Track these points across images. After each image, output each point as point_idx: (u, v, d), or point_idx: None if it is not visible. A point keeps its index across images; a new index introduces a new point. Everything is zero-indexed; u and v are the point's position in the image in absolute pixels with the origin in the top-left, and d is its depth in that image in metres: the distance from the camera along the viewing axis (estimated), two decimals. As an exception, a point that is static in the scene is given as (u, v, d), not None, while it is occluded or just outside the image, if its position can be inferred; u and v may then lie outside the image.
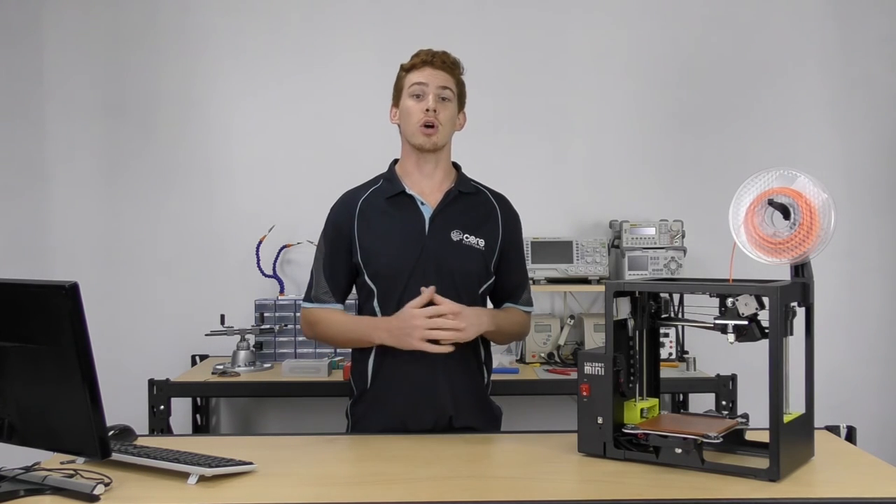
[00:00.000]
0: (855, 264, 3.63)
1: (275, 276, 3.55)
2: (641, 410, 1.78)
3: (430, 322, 1.97)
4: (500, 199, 2.25)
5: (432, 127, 2.10)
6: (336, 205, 2.21)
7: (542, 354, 3.38)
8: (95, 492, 1.49)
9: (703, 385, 3.11)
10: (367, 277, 2.13)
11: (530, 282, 2.31)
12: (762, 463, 1.58)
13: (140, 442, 1.83)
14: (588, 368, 1.72)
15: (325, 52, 3.64)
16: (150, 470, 1.63)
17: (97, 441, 1.51)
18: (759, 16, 3.65)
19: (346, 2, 3.64)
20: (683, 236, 3.41)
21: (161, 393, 2.97)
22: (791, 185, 1.68)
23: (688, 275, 3.37)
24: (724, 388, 3.03)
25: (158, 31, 3.63)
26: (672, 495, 1.50)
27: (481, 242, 2.14)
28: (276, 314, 3.37)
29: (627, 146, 3.65)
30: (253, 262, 3.53)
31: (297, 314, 3.34)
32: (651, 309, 1.82)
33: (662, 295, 1.83)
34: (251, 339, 3.26)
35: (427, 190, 2.16)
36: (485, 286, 2.17)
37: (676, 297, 1.83)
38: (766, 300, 1.60)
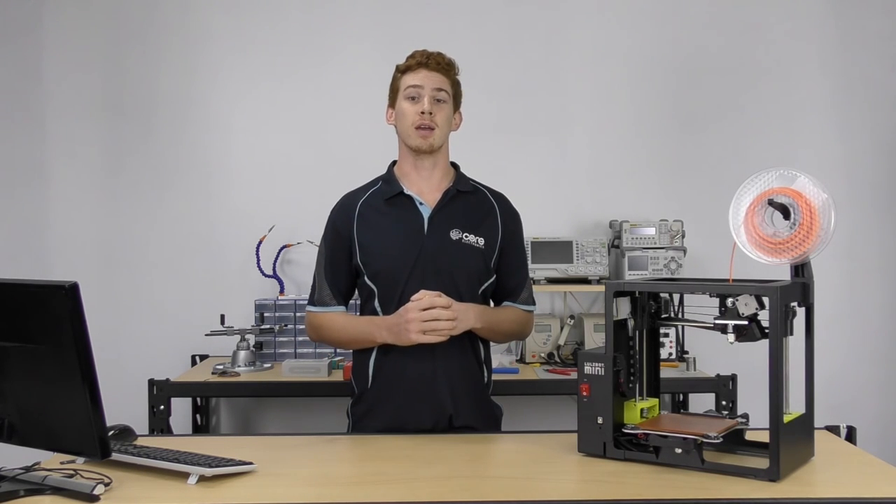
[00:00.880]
0: (855, 264, 3.62)
1: (275, 276, 3.55)
2: (641, 410, 1.78)
3: (425, 314, 1.97)
4: (499, 197, 2.25)
5: (429, 129, 2.10)
6: (335, 208, 2.22)
7: (542, 354, 3.38)
8: (95, 492, 1.49)
9: (703, 385, 3.11)
10: (367, 278, 2.13)
11: (531, 281, 2.31)
12: (762, 463, 1.58)
13: (140, 442, 1.83)
14: (588, 368, 1.72)
15: (326, 52, 3.64)
16: (150, 470, 1.63)
17: (97, 441, 1.51)
18: (759, 16, 3.65)
19: (346, 2, 3.64)
20: (683, 236, 3.41)
21: (161, 393, 2.97)
22: (791, 185, 1.68)
23: (688, 275, 3.37)
24: (724, 388, 3.03)
25: (158, 30, 3.63)
26: (672, 495, 1.50)
27: (481, 241, 2.14)
28: (276, 314, 3.37)
29: (627, 146, 3.65)
30: (253, 262, 3.53)
31: (298, 314, 3.35)
32: (651, 309, 1.82)
33: (662, 295, 1.83)
34: (251, 339, 3.26)
35: (425, 190, 2.16)
36: (485, 285, 2.17)
37: (676, 297, 1.83)
38: (766, 300, 1.60)
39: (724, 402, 3.02)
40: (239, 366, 3.19)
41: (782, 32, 3.66)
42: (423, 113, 2.09)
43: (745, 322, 1.65)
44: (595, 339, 3.32)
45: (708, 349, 3.31)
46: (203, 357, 3.53)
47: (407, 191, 2.15)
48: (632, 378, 1.79)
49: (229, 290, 3.59)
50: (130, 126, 3.64)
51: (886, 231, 3.66)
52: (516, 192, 2.32)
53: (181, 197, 3.63)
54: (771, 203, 1.68)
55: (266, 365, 3.27)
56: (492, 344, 2.24)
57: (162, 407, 2.96)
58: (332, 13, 3.64)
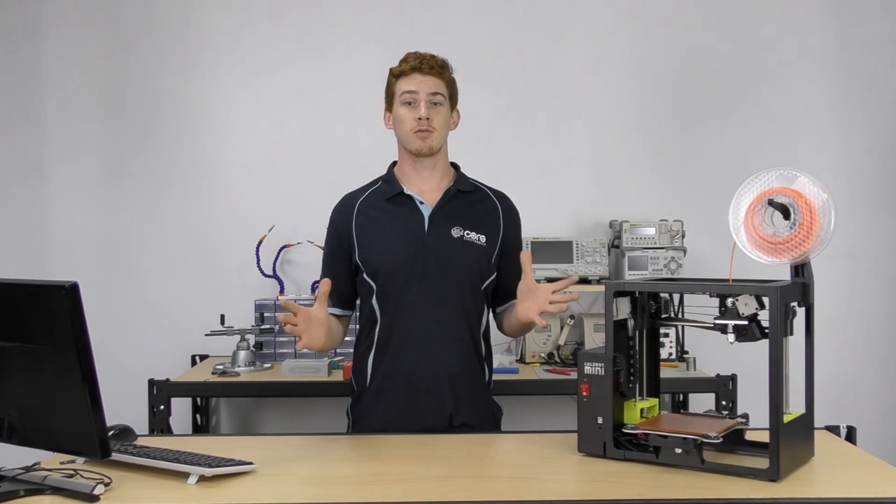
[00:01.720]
0: (855, 264, 3.62)
1: (275, 276, 3.55)
2: (641, 410, 1.78)
3: (282, 319, 1.96)
4: (501, 196, 2.26)
5: (427, 132, 2.10)
6: (335, 208, 2.22)
7: (542, 354, 3.38)
8: (95, 492, 1.49)
9: (703, 385, 3.11)
10: (366, 275, 2.13)
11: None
12: (762, 463, 1.58)
13: (140, 442, 1.83)
14: (588, 368, 1.72)
15: (325, 52, 3.64)
16: (150, 470, 1.63)
17: (97, 441, 1.51)
18: (759, 16, 3.65)
19: (346, 1, 3.64)
20: (683, 236, 3.41)
21: (161, 393, 2.97)
22: (791, 185, 1.68)
23: (688, 275, 3.37)
24: (724, 388, 3.03)
25: (158, 31, 3.63)
26: (672, 495, 1.50)
27: (482, 238, 2.14)
28: (276, 314, 3.37)
29: (627, 146, 3.65)
30: (253, 262, 3.53)
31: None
32: (651, 309, 1.82)
33: (662, 295, 1.83)
34: (251, 339, 3.26)
35: (426, 190, 2.17)
36: (487, 282, 2.17)
37: (676, 297, 1.83)
38: (766, 300, 1.60)
39: (724, 402, 3.02)
40: (239, 366, 3.19)
41: (782, 32, 3.66)
42: (420, 119, 2.09)
43: (745, 322, 1.65)
44: (595, 339, 3.32)
45: (708, 349, 3.31)
46: (203, 357, 3.53)
47: (407, 191, 2.15)
48: (632, 378, 1.79)
49: (229, 290, 3.59)
50: (130, 126, 3.64)
51: (886, 231, 3.66)
52: (516, 192, 2.32)
53: (181, 197, 3.63)
54: (771, 203, 1.68)
55: (266, 365, 3.27)
56: (492, 343, 2.24)
57: (162, 407, 2.96)
58: (332, 13, 3.64)
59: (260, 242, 3.53)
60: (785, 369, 1.60)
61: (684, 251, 3.38)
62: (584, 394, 1.72)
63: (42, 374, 1.55)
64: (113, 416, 1.66)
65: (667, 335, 3.26)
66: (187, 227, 3.63)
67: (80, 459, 1.68)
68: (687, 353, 3.31)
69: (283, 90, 3.64)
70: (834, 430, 1.94)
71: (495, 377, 2.29)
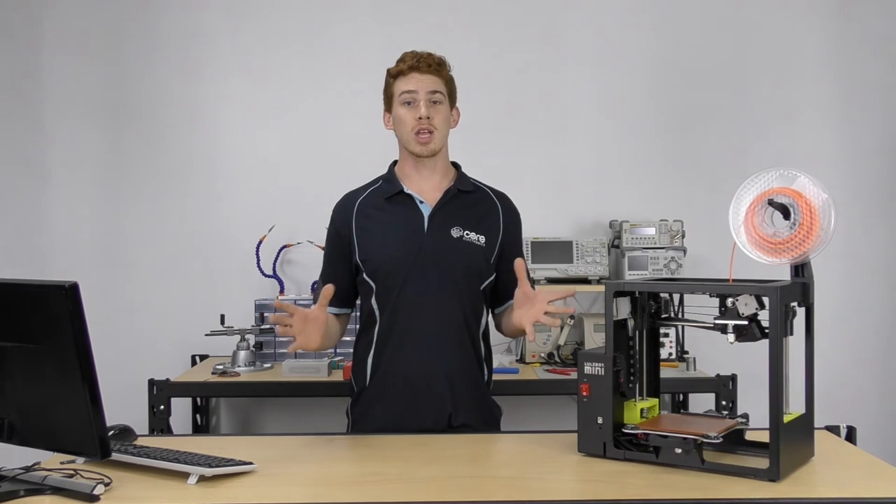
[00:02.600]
0: (855, 264, 3.63)
1: (275, 276, 3.55)
2: (641, 410, 1.78)
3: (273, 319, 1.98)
4: (501, 196, 2.25)
5: (428, 133, 2.10)
6: (335, 208, 2.22)
7: (542, 354, 3.38)
8: (95, 492, 1.49)
9: (703, 385, 3.11)
10: (365, 275, 2.13)
11: (532, 280, 2.31)
12: (762, 463, 1.58)
13: (140, 442, 1.83)
14: (588, 368, 1.72)
15: (325, 52, 3.64)
16: (150, 470, 1.63)
17: (97, 441, 1.51)
18: (759, 16, 3.65)
19: (346, 1, 3.64)
20: (683, 236, 3.41)
21: (161, 393, 2.97)
22: (791, 185, 1.68)
23: (688, 275, 3.37)
24: (724, 388, 3.03)
25: (158, 31, 3.63)
26: (672, 495, 1.50)
27: (482, 239, 2.14)
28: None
29: (627, 146, 3.65)
30: (253, 262, 3.53)
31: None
32: (651, 309, 1.82)
33: (662, 295, 1.83)
34: (251, 339, 3.26)
35: (426, 189, 2.16)
36: (486, 282, 2.17)
37: (676, 297, 1.83)
38: (766, 300, 1.60)
39: (724, 402, 3.02)
40: (239, 366, 3.19)
41: (782, 32, 3.66)
42: (420, 118, 2.09)
43: (745, 322, 1.65)
44: (595, 339, 3.31)
45: (708, 349, 3.31)
46: (203, 357, 3.53)
47: (407, 190, 2.15)
48: (632, 378, 1.79)
49: (229, 290, 3.59)
50: (130, 126, 3.64)
51: (886, 231, 3.66)
52: (516, 192, 2.32)
53: (181, 197, 3.63)
54: (771, 203, 1.68)
55: (266, 365, 3.27)
56: (492, 343, 2.24)
57: (162, 407, 2.96)
58: (332, 12, 3.64)
59: (260, 242, 3.53)
60: (785, 369, 1.60)
61: (684, 251, 3.38)
62: (584, 394, 1.72)
63: (42, 374, 1.55)
64: (113, 416, 1.66)
65: (667, 335, 3.26)
66: (187, 226, 3.63)
67: (80, 459, 1.68)
68: (687, 353, 3.31)
69: (284, 90, 3.64)
70: (834, 430, 1.94)
71: (495, 377, 2.28)
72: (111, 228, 3.64)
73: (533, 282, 2.21)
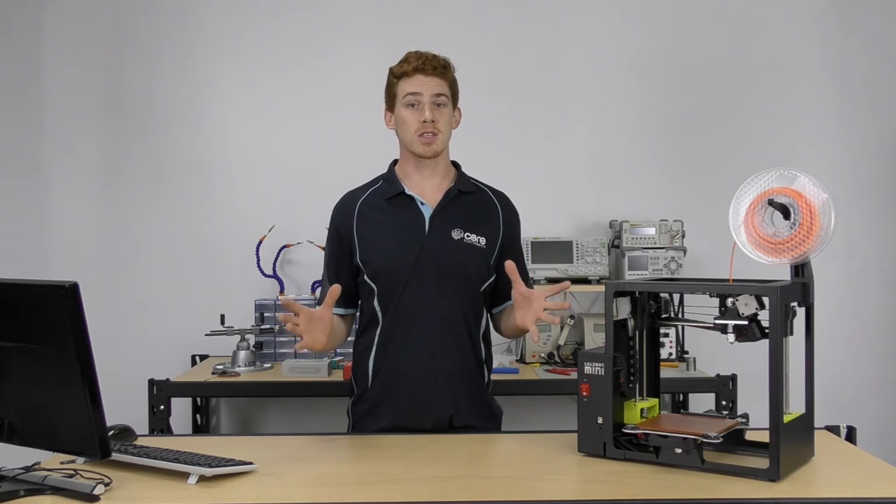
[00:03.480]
0: (855, 264, 3.63)
1: (275, 276, 3.55)
2: (641, 410, 1.78)
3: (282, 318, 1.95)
4: (501, 197, 2.25)
5: (432, 135, 2.10)
6: (336, 208, 2.21)
7: (542, 354, 3.38)
8: (95, 492, 1.49)
9: (703, 385, 3.11)
10: (366, 277, 2.13)
11: (531, 281, 2.31)
12: (762, 463, 1.58)
13: (140, 442, 1.83)
14: (588, 368, 1.72)
15: (325, 52, 3.64)
16: (150, 470, 1.63)
17: (97, 441, 1.51)
18: (759, 16, 3.65)
19: (345, 1, 3.64)
20: (683, 236, 3.41)
21: (161, 393, 2.97)
22: (791, 185, 1.68)
23: (688, 275, 3.37)
24: (724, 388, 3.03)
25: (158, 31, 3.63)
26: (672, 495, 1.50)
27: (482, 240, 2.14)
28: (276, 314, 3.36)
29: (628, 146, 3.65)
30: (253, 262, 3.53)
31: (297, 314, 3.34)
32: (651, 309, 1.82)
33: (662, 295, 1.83)
34: (251, 339, 3.26)
35: (427, 190, 2.16)
36: (486, 284, 2.17)
37: (676, 297, 1.83)
38: (766, 300, 1.60)
39: (724, 402, 3.02)
40: (239, 366, 3.19)
41: (783, 32, 3.66)
42: (424, 121, 2.09)
43: (745, 322, 1.65)
44: (595, 339, 3.32)
45: (708, 349, 3.31)
46: (203, 357, 3.53)
47: (408, 191, 2.15)
48: (632, 378, 1.79)
49: (229, 290, 3.59)
50: (130, 125, 3.64)
51: (886, 231, 3.66)
52: (516, 192, 2.32)
53: (181, 197, 3.63)
54: (771, 203, 1.68)
55: (266, 365, 3.27)
56: (493, 343, 2.24)
57: (162, 407, 2.96)
58: (331, 12, 3.64)
59: (260, 242, 3.53)
60: (785, 369, 1.60)
61: (684, 251, 3.38)
62: (584, 394, 1.72)
63: (42, 374, 1.55)
64: (113, 416, 1.66)
65: (667, 335, 3.26)
66: (187, 227, 3.63)
67: (80, 459, 1.68)
68: (687, 353, 3.31)
69: (284, 90, 3.64)
70: (834, 430, 1.94)
71: (495, 377, 2.28)
72: (111, 228, 3.64)
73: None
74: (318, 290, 2.27)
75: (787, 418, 1.60)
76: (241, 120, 3.64)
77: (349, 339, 2.25)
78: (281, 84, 3.64)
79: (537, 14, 3.65)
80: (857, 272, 3.64)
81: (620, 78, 3.65)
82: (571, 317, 3.47)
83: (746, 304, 1.64)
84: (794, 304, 1.67)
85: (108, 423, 1.59)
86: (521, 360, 3.41)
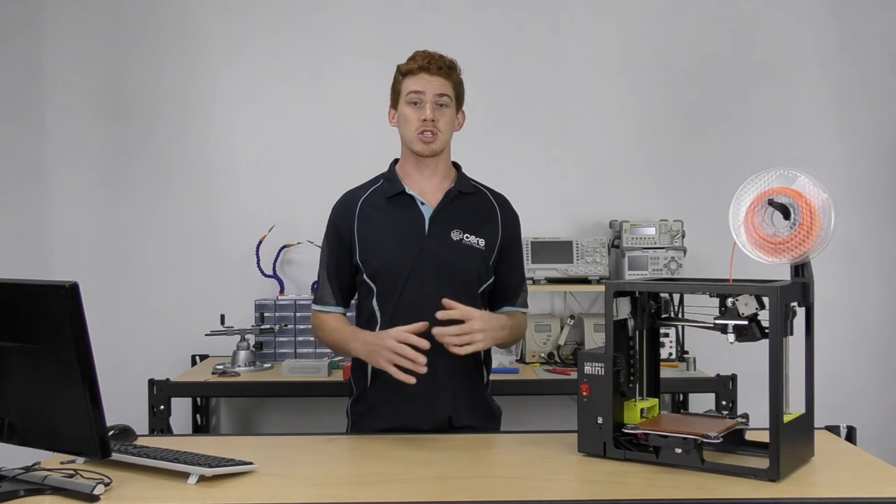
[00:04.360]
0: (855, 264, 3.63)
1: (275, 276, 3.55)
2: (641, 410, 1.78)
3: (398, 347, 1.90)
4: (500, 199, 2.25)
5: (431, 134, 2.10)
6: (336, 206, 2.21)
7: (542, 354, 3.38)
8: (95, 492, 1.49)
9: (703, 385, 3.11)
10: (366, 276, 2.13)
11: (529, 282, 2.31)
12: (762, 463, 1.58)
13: (140, 442, 1.83)
14: (588, 368, 1.72)
15: (325, 52, 3.64)
16: (150, 470, 1.63)
17: (97, 441, 1.51)
18: (759, 16, 3.65)
19: (346, 2, 3.64)
20: (683, 236, 3.41)
21: (161, 393, 2.97)
22: (791, 185, 1.68)
23: (688, 275, 3.37)
24: (724, 388, 3.03)
25: (158, 31, 3.63)
26: (672, 495, 1.50)
27: (481, 242, 2.14)
28: (276, 314, 3.37)
29: (628, 146, 3.65)
30: (253, 262, 3.53)
31: (298, 314, 3.35)
32: (651, 309, 1.82)
33: (662, 295, 1.83)
34: (251, 339, 3.26)
35: (427, 190, 2.16)
36: (485, 286, 2.17)
37: (676, 297, 1.83)
38: (766, 300, 1.60)
39: (724, 402, 3.02)
40: (239, 366, 3.19)
41: (782, 32, 3.66)
42: (425, 120, 2.09)
43: (745, 322, 1.65)
44: (595, 339, 3.31)
45: (708, 349, 3.31)
46: (203, 357, 3.53)
47: (409, 190, 2.15)
48: (632, 378, 1.79)
49: (229, 290, 3.59)
50: (130, 126, 3.64)
51: (886, 231, 3.66)
52: (516, 192, 2.32)
53: (181, 197, 3.63)
54: (771, 203, 1.68)
55: (266, 365, 3.27)
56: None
57: (162, 407, 2.96)
58: (332, 13, 3.64)
59: (260, 242, 3.53)
60: (785, 369, 1.60)
61: (684, 251, 3.38)
62: (584, 394, 1.72)
63: (42, 374, 1.55)
64: (113, 416, 1.66)
65: (667, 335, 3.26)
66: (187, 227, 3.63)
67: (80, 459, 1.68)
68: (687, 353, 3.31)
69: (284, 90, 3.64)
70: (834, 430, 1.95)
71: (495, 377, 2.29)
72: (111, 228, 3.64)
73: (524, 284, 2.24)
74: (317, 291, 2.25)
75: (787, 418, 1.60)
76: (242, 120, 3.64)
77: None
78: (281, 84, 3.64)
79: (537, 14, 3.65)
80: (857, 272, 3.64)
81: (621, 77, 3.65)
82: (571, 317, 3.47)
83: (746, 304, 1.65)
84: (794, 304, 1.67)
85: (108, 423, 1.59)
86: (521, 359, 3.40)
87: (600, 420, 1.70)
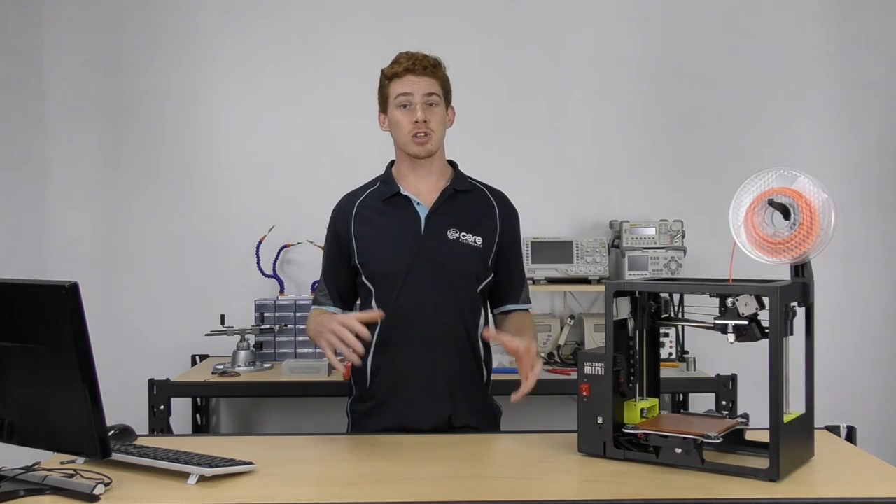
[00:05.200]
0: (855, 264, 3.62)
1: (275, 276, 3.55)
2: (641, 410, 1.78)
3: (339, 330, 1.83)
4: (498, 195, 2.25)
5: (425, 135, 2.10)
6: (334, 209, 2.22)
7: (542, 354, 3.37)
8: (95, 492, 1.49)
9: (703, 385, 3.11)
10: (364, 277, 2.14)
11: (529, 282, 2.31)
12: (762, 463, 1.58)
13: (140, 442, 1.83)
14: (588, 368, 1.72)
15: (326, 52, 3.64)
16: (150, 470, 1.63)
17: (97, 441, 1.51)
18: (759, 16, 3.65)
19: (346, 2, 3.64)
20: (683, 236, 3.41)
21: (161, 393, 2.97)
22: (791, 185, 1.68)
23: (688, 275, 3.37)
24: (724, 388, 3.03)
25: (158, 30, 3.63)
26: (672, 495, 1.50)
27: (479, 240, 2.14)
28: (276, 314, 3.37)
29: (628, 146, 3.65)
30: (253, 262, 3.53)
31: (298, 314, 3.35)
32: (651, 309, 1.82)
33: (662, 295, 1.83)
34: (251, 339, 3.26)
35: (423, 190, 2.16)
36: (483, 284, 2.17)
37: (676, 297, 1.83)
38: (766, 300, 1.60)
39: (724, 402, 3.02)
40: (239, 366, 3.19)
41: (783, 32, 3.66)
42: (416, 122, 2.09)
43: (745, 322, 1.65)
44: (595, 339, 3.31)
45: (708, 349, 3.31)
46: (203, 357, 3.53)
47: (404, 191, 2.15)
48: (632, 378, 1.79)
49: (229, 290, 3.59)
50: (130, 126, 3.64)
51: (886, 231, 3.66)
52: (516, 192, 2.32)
53: (181, 197, 3.63)
54: (771, 203, 1.68)
55: (266, 365, 3.27)
56: (492, 344, 2.24)
57: (162, 407, 2.96)
58: (332, 12, 3.64)
59: (260, 242, 3.53)
60: (785, 369, 1.60)
61: (684, 251, 3.38)
62: (584, 394, 1.72)
63: (42, 374, 1.55)
64: (113, 416, 1.66)
65: (667, 335, 3.26)
66: (187, 227, 3.63)
67: (80, 459, 1.68)
68: (687, 353, 3.31)
69: (283, 90, 3.64)
70: (834, 430, 1.94)
71: (495, 377, 2.28)
72: (111, 228, 3.64)
73: (525, 282, 2.26)
74: (317, 291, 2.26)
75: (787, 418, 1.60)
76: (242, 120, 3.64)
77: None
78: (281, 84, 3.64)
79: (537, 14, 3.65)
80: (857, 272, 3.64)
81: (621, 77, 3.65)
82: (571, 317, 3.47)
83: (746, 304, 1.64)
84: (794, 304, 1.67)
85: (108, 423, 1.59)
86: (521, 360, 3.40)
87: (600, 420, 1.70)
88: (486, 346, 2.21)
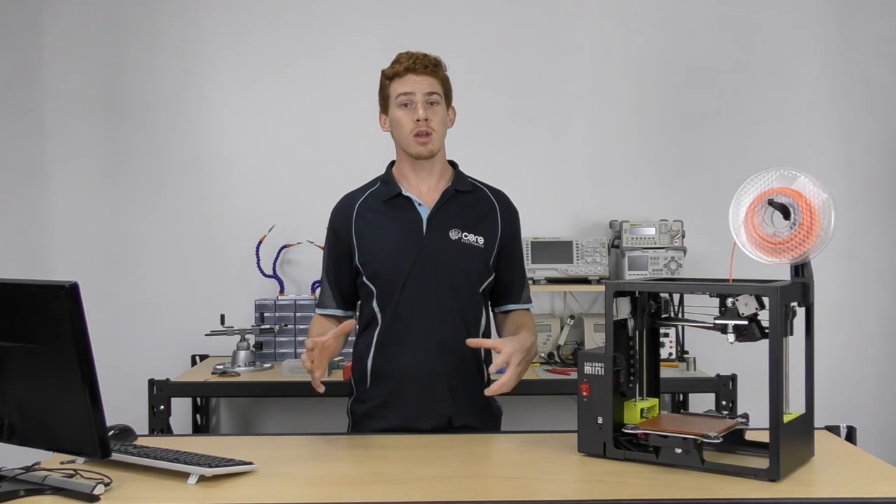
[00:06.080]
0: (855, 264, 3.63)
1: (275, 276, 3.55)
2: (641, 410, 1.78)
3: (305, 354, 1.86)
4: (499, 195, 2.25)
5: (426, 135, 2.10)
6: (334, 210, 2.22)
7: (542, 354, 3.38)
8: (95, 492, 1.49)
9: (703, 385, 3.11)
10: (365, 278, 2.13)
11: (529, 282, 2.31)
12: (762, 463, 1.58)
13: (140, 442, 1.83)
14: (588, 368, 1.72)
15: (325, 51, 3.64)
16: (150, 470, 1.63)
17: (97, 441, 1.51)
18: (759, 16, 3.65)
19: (346, 2, 3.64)
20: (683, 236, 3.41)
21: (161, 393, 2.97)
22: (791, 184, 1.68)
23: (688, 275, 3.37)
24: (724, 388, 3.03)
25: (158, 30, 3.63)
26: (672, 495, 1.50)
27: (480, 240, 2.14)
28: (276, 314, 3.37)
29: (628, 146, 3.65)
30: (253, 262, 3.53)
31: (297, 314, 3.35)
32: (651, 309, 1.82)
33: (662, 295, 1.83)
34: (251, 339, 3.26)
35: (424, 191, 2.16)
36: (485, 284, 2.17)
37: (676, 297, 1.83)
38: (766, 300, 1.60)
39: (724, 402, 3.02)
40: (239, 366, 3.19)
41: (783, 32, 3.66)
42: (418, 120, 2.09)
43: (745, 322, 1.65)
44: (595, 339, 3.31)
45: (708, 349, 3.31)
46: (203, 357, 3.53)
47: (405, 192, 2.15)
48: (632, 378, 1.78)
49: (229, 290, 3.59)
50: (130, 126, 3.64)
51: (886, 231, 3.66)
52: (516, 192, 2.32)
53: (181, 197, 3.63)
54: (771, 203, 1.68)
55: (266, 365, 3.27)
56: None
57: (162, 407, 2.96)
58: (331, 11, 3.64)
59: (260, 242, 3.53)
60: (785, 369, 1.60)
61: (684, 251, 3.38)
62: (584, 394, 1.72)
63: (42, 374, 1.55)
64: (113, 416, 1.66)
65: (667, 335, 3.26)
66: (187, 226, 3.63)
67: (80, 459, 1.68)
68: (687, 353, 3.31)
69: (283, 90, 3.64)
70: (834, 430, 1.94)
71: (495, 377, 2.28)
72: (111, 228, 3.64)
73: (526, 283, 2.26)
74: (318, 291, 2.26)
75: (787, 418, 1.59)
76: (242, 120, 3.64)
77: (349, 338, 2.25)
78: (281, 84, 3.64)
79: (537, 14, 3.65)
80: (857, 272, 3.64)
81: (621, 77, 3.65)
82: (571, 317, 3.47)
83: (746, 304, 1.64)
84: (794, 304, 1.67)
85: (108, 423, 1.59)
86: (521, 360, 3.40)
87: (600, 420, 1.70)
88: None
